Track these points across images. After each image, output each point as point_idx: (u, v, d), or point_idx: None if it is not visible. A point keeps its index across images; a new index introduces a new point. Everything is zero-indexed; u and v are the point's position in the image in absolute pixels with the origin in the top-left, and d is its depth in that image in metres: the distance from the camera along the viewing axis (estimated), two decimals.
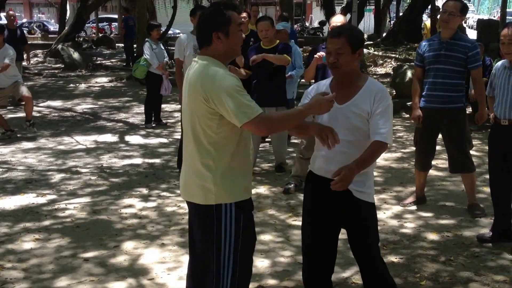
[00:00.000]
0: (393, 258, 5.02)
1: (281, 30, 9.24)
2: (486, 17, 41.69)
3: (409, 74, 12.34)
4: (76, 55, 21.33)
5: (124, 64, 21.94)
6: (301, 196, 6.68)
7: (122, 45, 23.70)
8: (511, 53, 5.00)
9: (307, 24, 39.29)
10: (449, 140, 6.09)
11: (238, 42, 3.36)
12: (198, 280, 3.56)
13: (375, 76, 18.16)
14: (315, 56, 6.59)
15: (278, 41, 7.59)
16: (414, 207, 6.34)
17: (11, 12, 15.55)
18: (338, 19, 6.62)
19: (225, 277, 3.34)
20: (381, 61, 20.39)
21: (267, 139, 8.89)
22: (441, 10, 6.00)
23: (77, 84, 17.53)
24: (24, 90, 10.11)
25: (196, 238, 3.48)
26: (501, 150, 5.20)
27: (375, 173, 7.69)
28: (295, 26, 36.98)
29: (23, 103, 10.37)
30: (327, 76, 6.57)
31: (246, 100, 3.14)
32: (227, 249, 3.32)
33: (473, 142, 8.21)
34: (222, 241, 3.31)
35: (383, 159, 8.47)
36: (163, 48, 10.92)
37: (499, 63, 5.32)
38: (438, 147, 6.49)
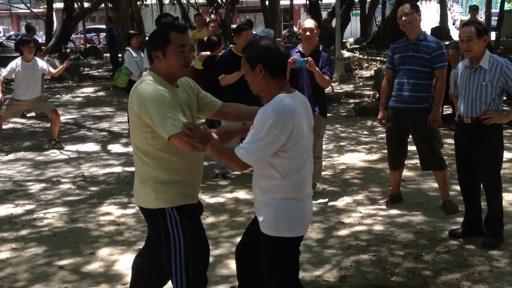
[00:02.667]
0: (365, 256, 5.07)
1: (264, 37, 9.29)
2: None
3: None
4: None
5: (111, 74, 21.95)
6: None
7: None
8: (470, 50, 5.06)
9: (295, 29, 39.37)
10: (418, 139, 6.17)
11: (177, 63, 3.39)
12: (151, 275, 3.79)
13: (360, 80, 18.29)
14: (288, 60, 6.61)
15: None
16: (389, 206, 6.39)
17: None
18: (308, 23, 6.69)
19: (179, 283, 3.44)
20: (366, 64, 20.50)
21: None
22: (397, 16, 6.11)
23: (63, 95, 17.54)
24: (51, 107, 10.07)
25: (155, 240, 3.60)
26: (465, 147, 5.27)
27: (353, 174, 7.78)
28: (284, 31, 37.22)
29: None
30: (301, 80, 6.65)
31: (173, 114, 3.23)
32: (178, 253, 3.42)
33: (447, 140, 8.30)
34: (172, 245, 3.42)
35: (363, 161, 8.53)
36: (144, 56, 10.93)
37: (461, 63, 5.40)
38: (411, 147, 6.54)
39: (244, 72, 3.46)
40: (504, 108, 5.66)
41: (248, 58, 3.38)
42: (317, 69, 6.46)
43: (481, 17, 36.68)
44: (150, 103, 3.23)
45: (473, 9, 18.39)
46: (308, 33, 6.62)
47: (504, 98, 5.29)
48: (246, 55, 3.41)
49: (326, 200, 6.68)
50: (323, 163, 7.32)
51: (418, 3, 32.13)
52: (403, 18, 5.97)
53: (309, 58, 6.45)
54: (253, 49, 3.40)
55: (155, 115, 3.22)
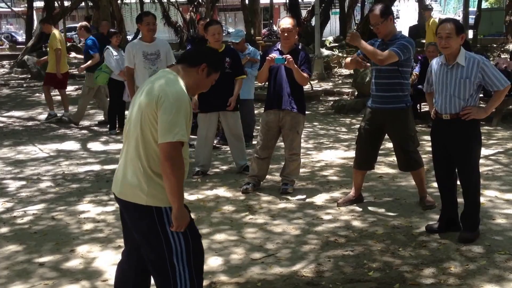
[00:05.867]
0: (343, 252, 5.13)
1: (239, 42, 9.34)
2: (451, 16, 42.16)
3: (369, 74, 12.48)
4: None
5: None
6: (259, 195, 6.82)
7: None
8: (449, 47, 5.11)
9: (275, 28, 39.42)
10: (393, 140, 6.26)
11: (207, 86, 3.58)
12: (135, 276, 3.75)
13: (339, 78, 18.36)
14: (267, 58, 6.68)
15: (224, 45, 7.70)
16: (366, 202, 6.45)
17: None
18: (286, 23, 6.76)
19: (183, 282, 3.42)
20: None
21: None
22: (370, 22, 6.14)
23: (43, 94, 17.38)
24: None
25: (136, 237, 3.55)
26: (443, 143, 5.34)
27: (331, 171, 7.84)
28: (263, 30, 37.25)
29: None
30: (280, 78, 6.71)
31: (180, 123, 3.25)
32: (180, 253, 3.40)
33: (423, 137, 8.37)
34: (173, 245, 3.40)
35: (341, 158, 8.59)
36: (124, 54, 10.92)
37: (434, 61, 5.46)
38: (390, 145, 6.59)
39: None
40: (481, 105, 5.76)
41: None
42: (296, 66, 6.53)
43: (458, 15, 37.07)
44: (170, 102, 3.26)
45: (426, 9, 17.71)
46: (286, 33, 6.69)
47: (481, 95, 5.36)
48: None
49: (304, 196, 6.74)
50: (302, 160, 7.37)
51: (396, 2, 32.37)
52: (375, 30, 6.01)
53: (288, 55, 6.52)
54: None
55: (165, 116, 3.24)
